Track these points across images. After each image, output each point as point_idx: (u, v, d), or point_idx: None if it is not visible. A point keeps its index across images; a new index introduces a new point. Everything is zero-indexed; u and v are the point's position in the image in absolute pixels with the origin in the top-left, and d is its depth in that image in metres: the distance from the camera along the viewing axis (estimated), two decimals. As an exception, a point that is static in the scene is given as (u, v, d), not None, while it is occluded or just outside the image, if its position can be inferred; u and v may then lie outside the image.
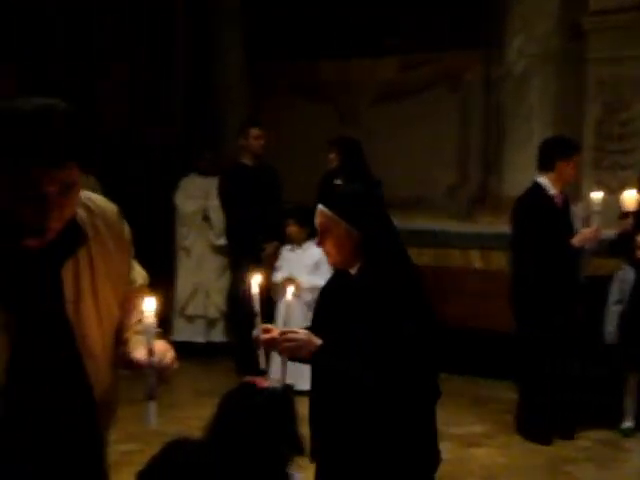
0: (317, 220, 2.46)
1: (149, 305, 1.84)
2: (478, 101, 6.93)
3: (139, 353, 1.86)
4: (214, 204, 6.74)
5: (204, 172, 7.03)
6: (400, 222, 6.96)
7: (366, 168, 6.26)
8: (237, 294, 6.15)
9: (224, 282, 6.93)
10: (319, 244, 2.47)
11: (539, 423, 5.06)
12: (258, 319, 2.36)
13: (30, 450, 1.74)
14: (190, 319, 7.07)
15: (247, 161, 6.44)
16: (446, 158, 7.03)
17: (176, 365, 1.93)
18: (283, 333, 2.36)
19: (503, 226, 5.45)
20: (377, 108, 7.31)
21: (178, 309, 7.06)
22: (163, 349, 1.88)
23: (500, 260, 6.04)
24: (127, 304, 1.97)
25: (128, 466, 4.53)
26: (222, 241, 6.76)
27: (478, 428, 5.31)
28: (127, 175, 7.40)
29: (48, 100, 1.67)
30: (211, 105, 7.90)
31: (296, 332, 2.37)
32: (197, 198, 7.03)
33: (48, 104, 1.65)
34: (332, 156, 6.29)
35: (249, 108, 7.73)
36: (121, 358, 1.93)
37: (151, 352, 1.82)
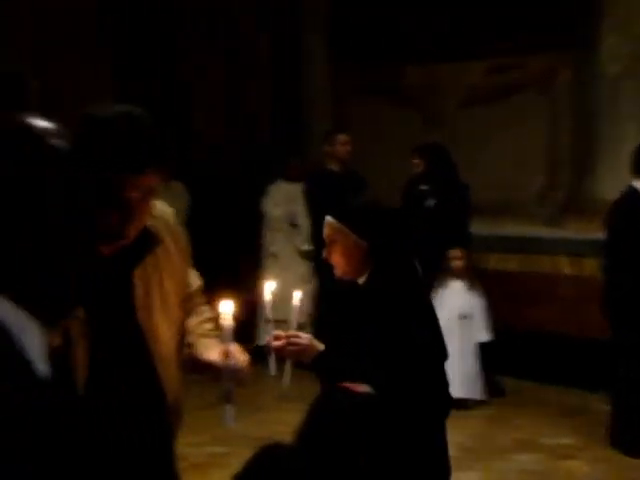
0: (325, 232, 2.52)
1: (226, 308, 1.85)
2: (569, 104, 6.75)
3: (213, 355, 1.88)
4: (301, 210, 6.78)
5: (291, 178, 7.09)
6: (487, 227, 6.88)
7: (453, 173, 6.20)
8: (321, 300, 6.17)
9: (311, 287, 6.96)
10: (327, 255, 2.50)
11: (635, 436, 4.88)
12: (270, 325, 2.35)
13: (107, 453, 1.77)
14: (277, 324, 7.10)
15: (333, 167, 6.46)
16: (535, 162, 6.88)
17: (249, 368, 1.93)
18: (289, 337, 2.37)
19: (593, 232, 5.30)
20: (464, 112, 7.21)
21: (265, 314, 7.11)
22: (238, 351, 1.89)
23: (590, 266, 5.88)
24: (187, 307, 1.98)
25: (214, 468, 4.61)
26: (308, 246, 6.80)
27: (569, 440, 5.15)
28: (214, 181, 7.52)
29: (128, 107, 1.70)
30: (297, 111, 7.96)
31: (299, 337, 2.37)
32: (284, 204, 7.10)
33: (128, 111, 1.68)
34: (417, 161, 6.25)
35: (334, 113, 7.75)
36: (189, 361, 1.94)
37: (227, 354, 1.83)
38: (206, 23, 7.97)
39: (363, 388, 2.05)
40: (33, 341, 1.06)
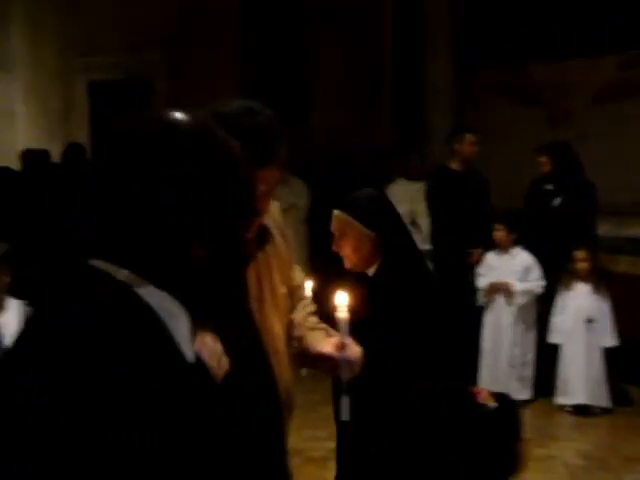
0: (333, 225, 2.50)
1: (342, 300, 1.86)
2: None
3: (326, 347, 1.88)
4: (421, 209, 6.74)
5: (411, 176, 7.05)
6: (615, 229, 6.62)
7: (580, 172, 6.01)
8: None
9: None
10: (336, 248, 2.48)
11: None
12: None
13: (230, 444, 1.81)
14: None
15: (455, 166, 6.37)
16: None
17: (362, 361, 1.93)
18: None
19: None
20: (594, 109, 6.97)
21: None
22: (353, 343, 1.89)
23: None
24: (291, 301, 1.99)
25: (332, 462, 4.65)
26: (428, 246, 6.75)
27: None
28: (334, 178, 7.58)
29: (250, 102, 1.73)
30: (418, 109, 7.91)
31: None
32: (404, 202, 7.06)
33: (251, 106, 1.71)
34: (543, 160, 6.09)
35: (456, 112, 7.66)
36: (299, 355, 1.95)
37: (343, 346, 1.84)
38: (331, 18, 8.05)
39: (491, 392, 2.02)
40: (180, 327, 1.09)
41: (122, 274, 1.07)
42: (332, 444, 4.86)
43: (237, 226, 1.13)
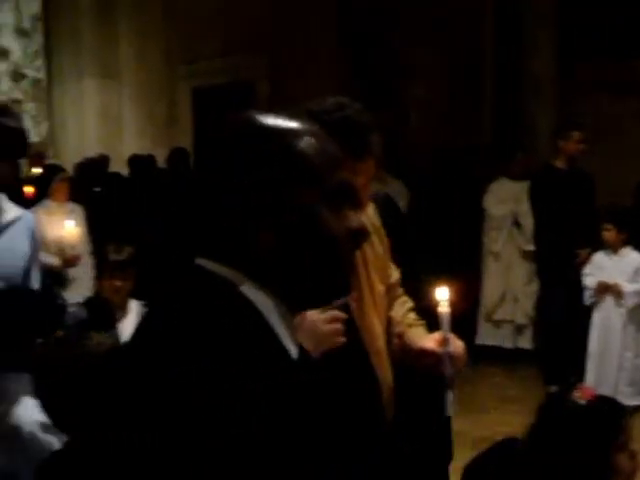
0: None
1: (443, 295, 1.84)
2: None
3: (428, 343, 1.86)
4: (525, 209, 6.60)
5: (515, 176, 6.91)
6: None
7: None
8: (546, 301, 5.99)
9: (533, 288, 6.76)
10: None
11: None
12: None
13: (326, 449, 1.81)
14: (497, 324, 7.01)
15: (560, 164, 6.20)
16: None
17: (465, 355, 1.89)
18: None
19: None
20: None
21: (484, 313, 7.03)
22: (455, 338, 1.86)
23: None
24: (388, 299, 1.97)
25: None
26: (532, 246, 6.61)
27: None
28: (434, 178, 7.52)
29: (343, 98, 1.75)
30: (520, 106, 7.74)
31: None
32: (507, 202, 6.94)
33: (340, 100, 1.73)
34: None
35: (559, 108, 7.46)
36: (399, 351, 1.93)
37: (445, 341, 1.81)
38: (429, 16, 7.99)
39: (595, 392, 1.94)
40: (282, 323, 1.11)
41: (225, 272, 1.10)
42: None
43: (336, 224, 1.14)
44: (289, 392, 1.05)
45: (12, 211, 2.60)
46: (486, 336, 6.94)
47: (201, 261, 1.11)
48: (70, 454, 1.57)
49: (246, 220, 1.09)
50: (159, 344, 1.05)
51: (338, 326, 1.68)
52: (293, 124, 1.15)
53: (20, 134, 2.52)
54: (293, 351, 1.12)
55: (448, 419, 1.91)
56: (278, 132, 1.13)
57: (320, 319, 1.61)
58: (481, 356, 6.06)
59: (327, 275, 1.14)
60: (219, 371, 1.00)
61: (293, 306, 1.14)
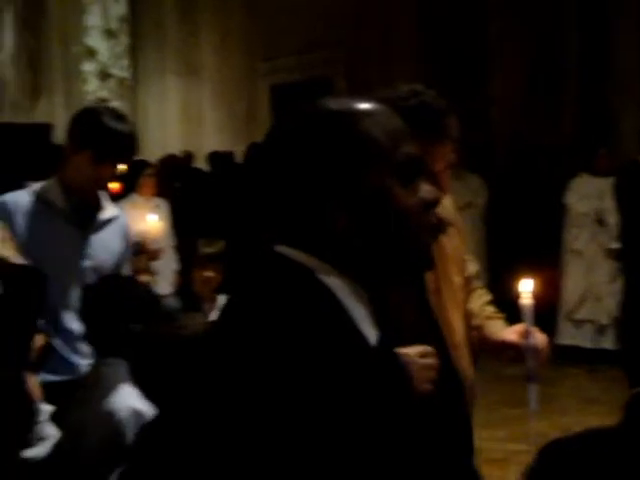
0: None
1: (526, 286, 1.81)
2: None
3: (510, 335, 1.83)
4: (609, 206, 6.44)
5: (599, 171, 6.74)
6: None
7: None
8: (631, 299, 5.84)
9: (617, 286, 6.59)
10: None
11: None
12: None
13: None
14: (578, 323, 6.86)
15: (646, 160, 6.03)
16: None
17: (548, 349, 1.86)
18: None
19: None
20: None
21: (565, 312, 6.89)
22: (537, 331, 1.83)
23: None
24: (466, 291, 1.94)
25: (512, 464, 4.57)
26: (617, 244, 6.44)
27: None
28: (514, 174, 7.40)
29: (412, 85, 1.75)
30: (605, 99, 7.54)
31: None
32: (590, 199, 6.78)
33: (413, 87, 1.73)
34: None
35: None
36: (478, 344, 1.90)
37: (528, 333, 1.79)
38: (512, 12, 7.86)
39: None
40: (359, 307, 1.11)
41: (302, 258, 1.10)
42: (512, 445, 4.78)
43: (414, 210, 1.13)
44: (368, 380, 1.05)
45: (110, 210, 2.71)
46: (566, 335, 6.81)
47: (279, 248, 1.12)
48: (159, 432, 1.62)
49: (318, 203, 1.10)
50: (239, 334, 1.06)
51: (431, 361, 1.59)
52: (358, 105, 1.15)
53: (131, 139, 2.60)
54: (372, 336, 1.11)
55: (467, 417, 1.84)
56: (343, 113, 1.14)
57: (413, 353, 1.56)
58: (561, 356, 5.95)
59: (403, 251, 1.13)
60: (298, 362, 1.01)
61: (371, 287, 1.13)
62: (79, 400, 2.15)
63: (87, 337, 2.24)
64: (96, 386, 2.08)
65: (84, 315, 2.25)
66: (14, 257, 2.29)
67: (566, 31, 7.80)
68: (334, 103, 1.16)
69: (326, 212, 1.10)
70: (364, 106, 1.15)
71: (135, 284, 2.44)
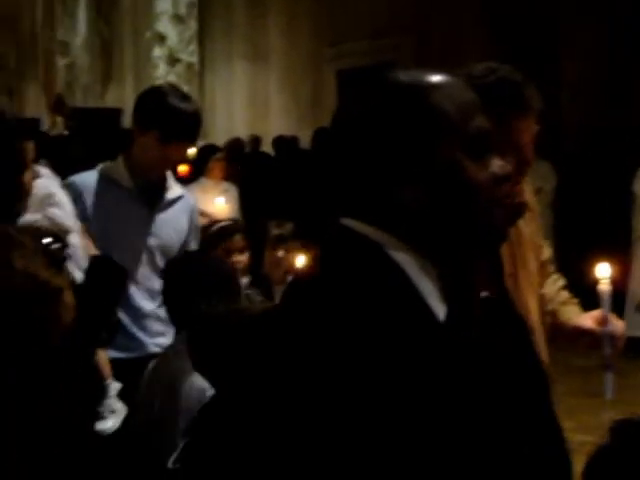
0: None
1: (604, 271, 1.77)
2: None
3: (586, 321, 1.79)
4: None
5: (669, 159, 6.56)
6: None
7: None
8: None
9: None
10: None
11: None
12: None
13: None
14: (647, 314, 6.69)
15: None
16: None
17: (625, 337, 1.81)
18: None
19: None
20: None
21: (634, 302, 6.72)
22: (615, 317, 1.79)
23: None
24: (542, 275, 1.91)
25: (582, 455, 4.49)
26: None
27: None
28: (584, 160, 7.25)
29: (485, 63, 1.73)
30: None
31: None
32: (660, 187, 6.61)
33: (488, 65, 1.71)
34: None
35: None
36: (552, 330, 1.86)
37: (605, 320, 1.75)
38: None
39: None
40: (428, 282, 1.10)
41: (370, 231, 1.09)
42: (579, 436, 4.69)
43: (487, 185, 1.11)
44: (435, 355, 1.04)
45: (176, 189, 2.73)
46: (635, 326, 6.65)
47: (346, 221, 1.11)
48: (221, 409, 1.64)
49: (388, 177, 1.09)
50: (306, 312, 1.07)
51: None
52: (428, 77, 1.14)
53: (196, 119, 2.61)
54: (441, 312, 1.09)
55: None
56: (414, 86, 1.13)
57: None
58: (630, 348, 5.81)
59: (474, 225, 1.11)
60: (366, 339, 1.01)
61: (441, 263, 1.11)
62: (149, 377, 2.20)
63: (167, 312, 2.29)
64: (166, 364, 2.13)
65: (164, 291, 2.30)
66: (92, 249, 2.33)
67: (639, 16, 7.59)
68: (404, 75, 1.15)
69: (395, 186, 1.09)
70: (435, 78, 1.14)
71: (217, 262, 2.46)
